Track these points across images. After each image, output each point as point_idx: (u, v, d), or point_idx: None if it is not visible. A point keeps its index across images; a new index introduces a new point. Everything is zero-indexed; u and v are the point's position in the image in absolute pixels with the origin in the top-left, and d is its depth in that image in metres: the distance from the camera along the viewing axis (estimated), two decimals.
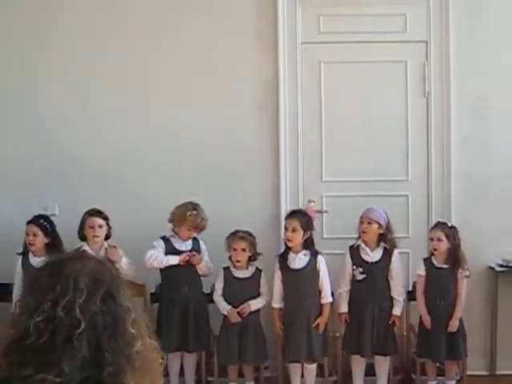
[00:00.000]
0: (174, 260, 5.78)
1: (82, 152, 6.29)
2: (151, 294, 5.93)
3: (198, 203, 5.85)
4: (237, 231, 5.82)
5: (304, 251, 5.80)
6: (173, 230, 5.91)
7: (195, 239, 5.95)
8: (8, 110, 6.34)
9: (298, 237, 5.76)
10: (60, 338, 1.67)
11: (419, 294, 5.86)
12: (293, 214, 5.85)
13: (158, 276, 5.89)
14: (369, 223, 5.83)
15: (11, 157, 6.28)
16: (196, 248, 5.92)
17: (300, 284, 5.79)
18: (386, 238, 5.86)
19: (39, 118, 6.29)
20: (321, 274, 5.79)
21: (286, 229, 5.82)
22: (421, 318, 5.83)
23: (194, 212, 5.80)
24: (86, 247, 5.70)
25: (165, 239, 5.88)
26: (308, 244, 5.81)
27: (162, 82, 6.29)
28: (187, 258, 5.79)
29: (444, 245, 5.74)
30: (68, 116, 6.30)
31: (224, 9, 6.26)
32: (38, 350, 1.66)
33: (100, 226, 5.81)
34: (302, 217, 5.81)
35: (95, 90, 6.31)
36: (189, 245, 5.92)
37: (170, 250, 5.84)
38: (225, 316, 5.83)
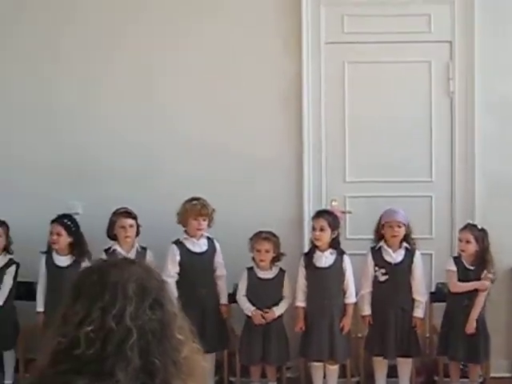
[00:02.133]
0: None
1: (105, 152, 6.30)
2: None
3: (200, 197, 5.87)
4: (260, 232, 5.81)
5: (330, 250, 5.80)
6: (185, 231, 5.92)
7: (210, 240, 5.96)
8: (29, 115, 6.35)
9: (326, 236, 5.76)
10: (111, 347, 1.66)
11: (455, 284, 5.77)
12: (320, 214, 5.85)
13: None
14: (398, 227, 5.80)
15: (35, 158, 6.30)
16: (211, 248, 5.94)
17: (325, 283, 5.78)
18: (408, 238, 5.85)
19: (60, 120, 6.32)
20: (346, 273, 5.79)
21: (313, 228, 5.81)
22: (444, 317, 5.80)
23: (194, 202, 5.84)
24: (117, 247, 5.79)
25: (178, 243, 5.88)
26: (335, 243, 5.81)
27: (187, 84, 6.26)
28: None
29: (472, 247, 5.70)
30: (88, 116, 6.32)
31: (248, 9, 6.24)
32: (88, 360, 1.65)
33: (131, 226, 5.88)
34: (329, 216, 5.81)
35: (116, 90, 6.32)
36: (203, 245, 5.94)
37: (185, 253, 5.85)
38: (248, 316, 5.82)
